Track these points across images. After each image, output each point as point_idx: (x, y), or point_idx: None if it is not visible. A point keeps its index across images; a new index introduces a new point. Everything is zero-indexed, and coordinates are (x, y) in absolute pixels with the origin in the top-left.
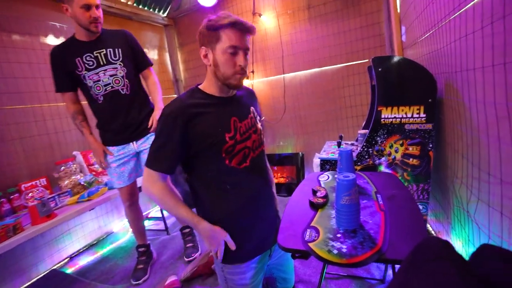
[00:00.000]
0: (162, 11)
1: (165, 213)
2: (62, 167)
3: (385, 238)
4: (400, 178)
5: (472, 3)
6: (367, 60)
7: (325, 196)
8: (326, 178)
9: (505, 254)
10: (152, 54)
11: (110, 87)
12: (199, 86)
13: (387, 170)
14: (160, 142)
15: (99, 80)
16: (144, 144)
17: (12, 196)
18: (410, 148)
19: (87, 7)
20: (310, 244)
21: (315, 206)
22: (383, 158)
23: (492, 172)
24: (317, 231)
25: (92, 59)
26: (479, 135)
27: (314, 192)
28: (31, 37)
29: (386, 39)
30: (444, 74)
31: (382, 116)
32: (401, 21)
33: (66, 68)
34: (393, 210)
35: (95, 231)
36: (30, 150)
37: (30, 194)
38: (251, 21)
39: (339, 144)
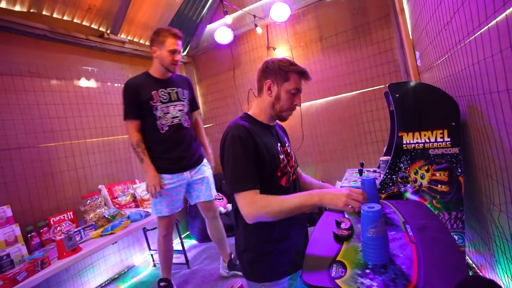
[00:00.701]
0: (182, 50)
1: (186, 245)
2: (88, 201)
3: (420, 275)
4: (429, 205)
5: (486, 27)
6: (382, 86)
7: (350, 228)
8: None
9: None
10: None
11: (177, 120)
12: (249, 113)
13: (414, 198)
14: (243, 163)
15: (168, 113)
16: (196, 174)
17: (41, 230)
18: (437, 174)
19: (173, 52)
20: (338, 281)
21: (339, 239)
22: (408, 185)
23: None
24: (344, 266)
25: (166, 94)
26: None
27: (338, 224)
28: (65, 81)
29: (400, 64)
30: (465, 97)
31: (404, 141)
32: (414, 47)
33: (140, 98)
34: (425, 242)
35: (117, 265)
36: (59, 185)
37: (58, 228)
38: (266, 55)
39: (360, 172)
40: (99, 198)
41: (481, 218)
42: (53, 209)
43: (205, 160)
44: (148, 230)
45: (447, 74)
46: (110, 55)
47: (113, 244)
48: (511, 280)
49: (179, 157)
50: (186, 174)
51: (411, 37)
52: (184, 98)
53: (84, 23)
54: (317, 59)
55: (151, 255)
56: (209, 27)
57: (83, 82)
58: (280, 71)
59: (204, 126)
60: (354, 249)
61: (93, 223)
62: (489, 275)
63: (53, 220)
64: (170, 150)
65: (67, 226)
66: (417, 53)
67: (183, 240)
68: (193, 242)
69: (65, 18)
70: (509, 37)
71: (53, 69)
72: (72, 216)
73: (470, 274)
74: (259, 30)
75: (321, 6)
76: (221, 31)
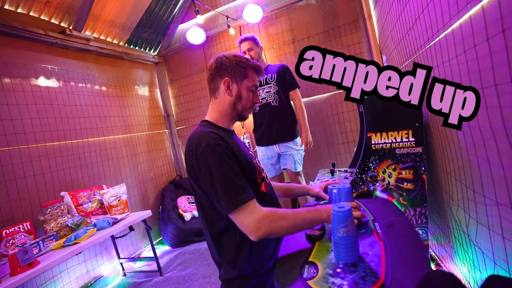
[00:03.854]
0: (152, 50)
1: (158, 252)
2: (49, 209)
3: (388, 271)
4: (396, 203)
5: (443, 34)
6: None
7: (322, 228)
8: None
9: None
10: (142, 91)
11: (265, 100)
12: (208, 119)
13: (382, 195)
14: (231, 173)
15: (259, 95)
16: (285, 149)
17: None
18: (403, 173)
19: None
20: (309, 282)
21: (311, 239)
22: (377, 184)
23: (487, 194)
24: (316, 267)
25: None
26: (469, 157)
27: None
28: (21, 80)
29: None
30: None
31: (372, 142)
32: (381, 51)
33: None
34: (393, 239)
35: (82, 277)
36: (14, 194)
37: (11, 241)
38: None
39: (332, 172)
40: (61, 206)
41: (442, 213)
42: (7, 220)
43: (297, 139)
44: (117, 237)
45: None
46: (73, 53)
47: (77, 254)
48: (467, 269)
49: (263, 133)
50: (276, 148)
51: (378, 42)
52: (271, 81)
53: (42, 17)
54: (290, 61)
55: (121, 263)
56: (181, 26)
57: (42, 81)
58: (238, 68)
59: (177, 128)
60: (326, 248)
61: (54, 233)
62: (449, 265)
63: (5, 233)
64: (257, 127)
65: (22, 239)
66: (384, 57)
67: (155, 247)
68: (166, 248)
69: (19, 10)
70: (463, 44)
71: (6, 66)
72: (29, 227)
73: (433, 267)
74: (232, 31)
75: (293, 9)
76: (193, 31)
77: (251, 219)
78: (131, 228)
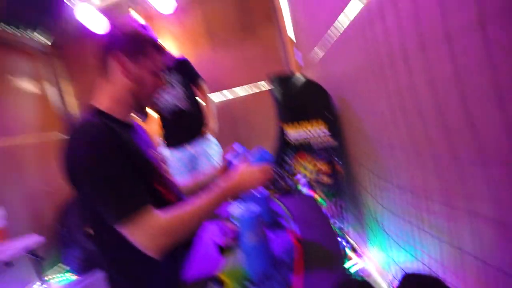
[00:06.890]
0: (39, 33)
1: None
2: None
3: (305, 279)
4: (317, 197)
5: None
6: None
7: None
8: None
9: (426, 279)
10: (26, 86)
11: None
12: (100, 108)
13: (303, 190)
14: (119, 174)
15: None
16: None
17: None
18: (321, 166)
19: None
20: None
21: (222, 250)
22: (298, 177)
23: (390, 179)
24: (221, 284)
25: None
26: (374, 144)
27: (224, 231)
28: None
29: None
30: (335, 90)
31: (286, 133)
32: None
33: None
34: (311, 239)
35: None
36: None
37: None
38: None
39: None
40: None
41: (357, 203)
42: None
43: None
44: None
45: (324, 72)
46: None
47: None
48: (377, 250)
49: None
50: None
51: (293, 38)
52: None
53: None
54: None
55: None
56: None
57: None
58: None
59: None
60: (238, 260)
61: None
62: (364, 249)
63: None
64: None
65: None
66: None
67: (53, 277)
68: (70, 276)
69: None
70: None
71: None
72: None
73: (351, 254)
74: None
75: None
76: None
77: (144, 234)
78: (9, 265)
